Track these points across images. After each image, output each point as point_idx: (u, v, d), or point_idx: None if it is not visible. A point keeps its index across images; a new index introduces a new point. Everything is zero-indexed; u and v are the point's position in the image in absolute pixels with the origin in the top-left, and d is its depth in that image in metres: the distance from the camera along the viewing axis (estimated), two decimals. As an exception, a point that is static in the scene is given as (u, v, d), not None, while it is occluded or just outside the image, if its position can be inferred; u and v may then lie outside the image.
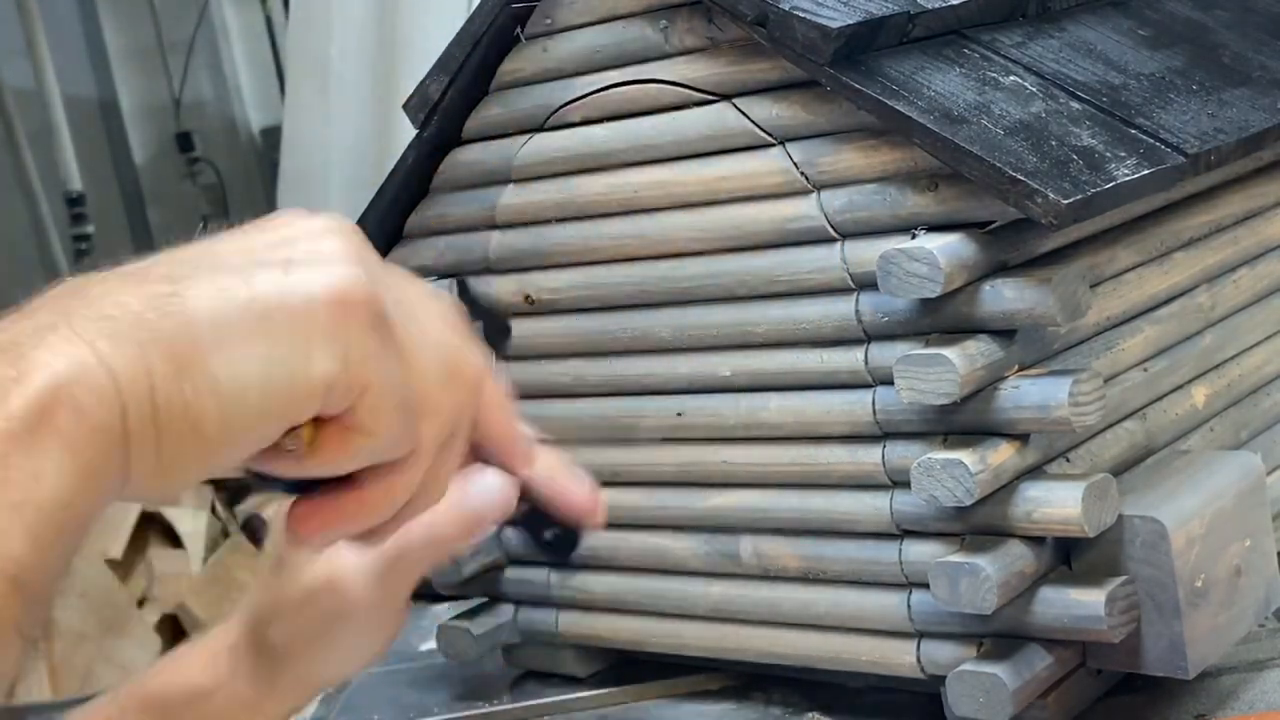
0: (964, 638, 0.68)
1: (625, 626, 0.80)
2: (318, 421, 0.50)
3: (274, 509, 2.42)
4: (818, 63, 0.65)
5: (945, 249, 0.63)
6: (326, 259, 0.50)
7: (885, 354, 0.67)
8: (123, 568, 2.33)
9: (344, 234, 0.52)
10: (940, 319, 0.65)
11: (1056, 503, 0.63)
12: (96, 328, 0.46)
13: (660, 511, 0.77)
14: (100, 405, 0.45)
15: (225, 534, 2.40)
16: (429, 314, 0.54)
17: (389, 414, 0.52)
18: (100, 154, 3.01)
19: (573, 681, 0.84)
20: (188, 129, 3.04)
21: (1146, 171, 0.64)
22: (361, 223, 0.81)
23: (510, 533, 0.82)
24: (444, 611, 1.00)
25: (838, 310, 0.68)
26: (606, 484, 0.79)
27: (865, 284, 0.67)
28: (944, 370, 0.62)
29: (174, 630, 2.34)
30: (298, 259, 0.50)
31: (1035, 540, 0.65)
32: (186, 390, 0.47)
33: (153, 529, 2.37)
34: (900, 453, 0.67)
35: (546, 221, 0.78)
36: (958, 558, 0.64)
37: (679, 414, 0.75)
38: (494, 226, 0.80)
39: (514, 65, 0.77)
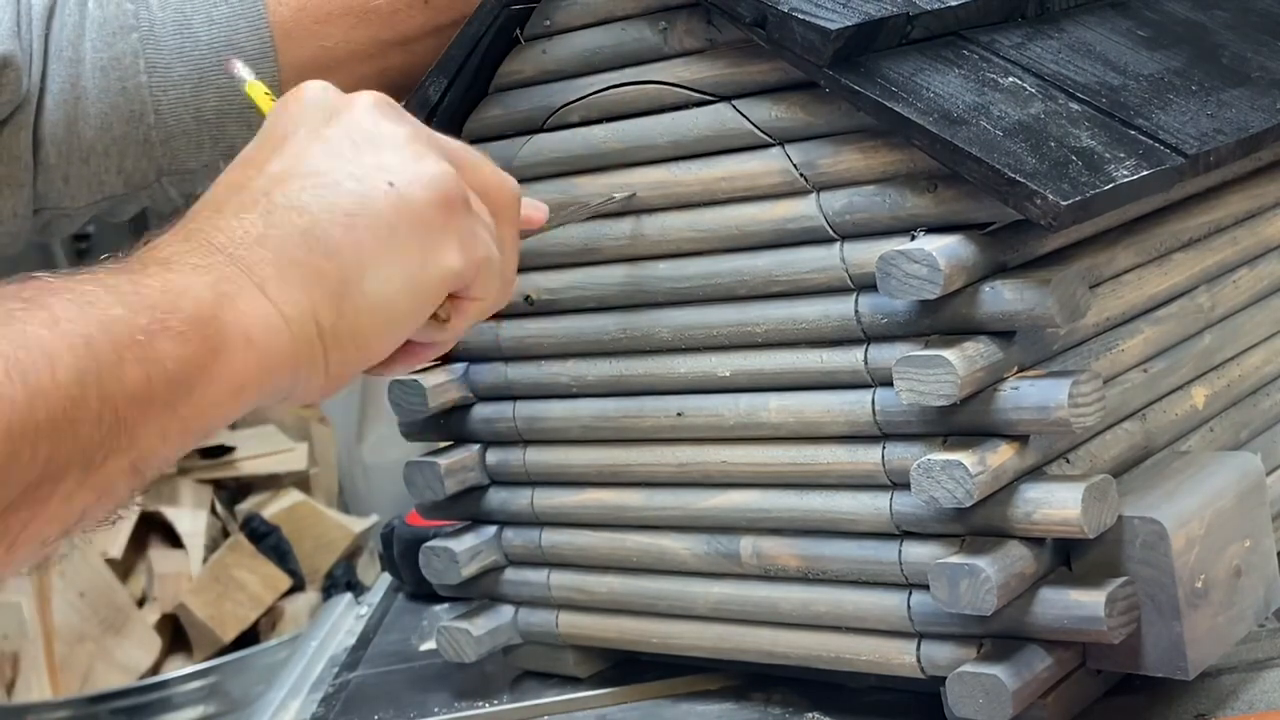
0: (964, 638, 0.68)
1: (625, 626, 0.80)
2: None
3: (273, 509, 2.42)
4: (816, 64, 0.65)
5: (944, 250, 0.63)
6: (412, 161, 0.60)
7: (885, 355, 0.67)
8: (123, 568, 2.33)
9: (394, 115, 0.62)
10: (940, 320, 0.65)
11: (1056, 504, 0.63)
12: (263, 271, 0.56)
13: (660, 511, 0.77)
14: (276, 347, 0.55)
15: (225, 534, 2.40)
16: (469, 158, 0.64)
17: (495, 278, 0.63)
18: (100, 154, 3.00)
19: (573, 682, 0.84)
20: (188, 129, 3.03)
21: (1146, 172, 0.64)
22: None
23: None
24: (444, 612, 1.00)
25: (837, 311, 0.68)
26: (606, 484, 0.80)
27: (865, 285, 0.67)
28: (943, 371, 0.62)
29: (174, 630, 2.34)
30: (394, 169, 0.59)
31: (1035, 541, 0.65)
32: (347, 315, 0.57)
33: (153, 529, 2.36)
34: (900, 453, 0.67)
35: (546, 222, 0.78)
36: (957, 559, 0.64)
37: (679, 414, 0.75)
38: (494, 227, 0.80)
39: (513, 67, 0.77)
